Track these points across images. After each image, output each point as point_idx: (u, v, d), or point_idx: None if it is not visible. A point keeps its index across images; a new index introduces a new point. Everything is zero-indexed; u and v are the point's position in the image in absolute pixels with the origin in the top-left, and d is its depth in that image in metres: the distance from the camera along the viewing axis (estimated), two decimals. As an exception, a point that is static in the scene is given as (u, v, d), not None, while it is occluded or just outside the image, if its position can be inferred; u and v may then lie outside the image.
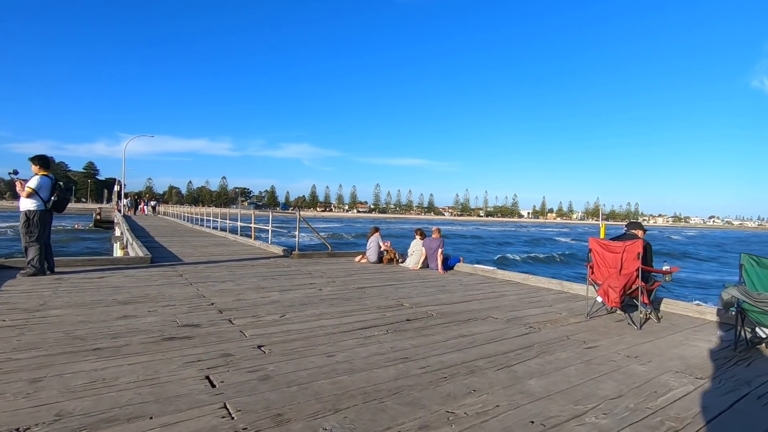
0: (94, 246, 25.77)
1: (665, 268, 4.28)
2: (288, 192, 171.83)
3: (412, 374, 2.75)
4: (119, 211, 32.78)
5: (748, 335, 3.59)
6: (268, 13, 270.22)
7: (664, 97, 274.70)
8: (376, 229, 9.02)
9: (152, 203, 45.22)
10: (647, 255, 4.26)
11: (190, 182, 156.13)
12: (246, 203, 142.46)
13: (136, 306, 4.31)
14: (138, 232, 15.19)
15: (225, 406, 2.20)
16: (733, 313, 4.08)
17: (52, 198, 5.84)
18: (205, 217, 20.75)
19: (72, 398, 2.23)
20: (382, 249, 8.68)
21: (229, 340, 3.31)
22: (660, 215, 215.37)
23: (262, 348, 3.15)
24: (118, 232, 18.97)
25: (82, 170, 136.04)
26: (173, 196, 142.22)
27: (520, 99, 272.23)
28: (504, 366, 2.97)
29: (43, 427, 1.93)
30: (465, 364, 2.96)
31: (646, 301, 4.24)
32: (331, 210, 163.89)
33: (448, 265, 8.04)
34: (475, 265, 8.09)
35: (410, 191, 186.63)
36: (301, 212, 10.15)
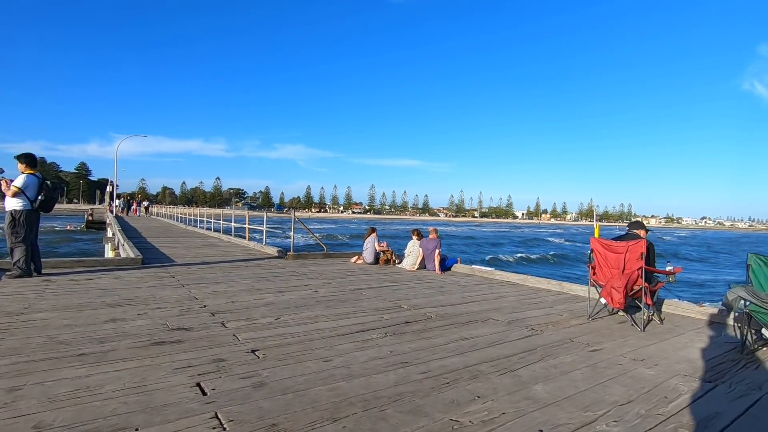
0: (86, 247, 25.41)
1: (668, 268, 4.21)
2: (283, 193, 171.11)
3: (413, 380, 2.64)
4: (111, 211, 32.37)
5: (754, 337, 3.51)
6: (264, 14, 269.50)
7: (657, 99, 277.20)
8: (373, 230, 8.90)
9: (145, 204, 44.76)
10: (650, 255, 4.18)
11: (184, 183, 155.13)
12: (240, 204, 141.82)
13: (125, 309, 4.16)
14: (130, 232, 14.95)
15: (216, 416, 2.07)
16: (737, 314, 4.02)
17: (39, 197, 5.67)
18: (198, 218, 20.52)
19: (53, 408, 2.09)
20: (378, 250, 8.56)
21: (222, 345, 3.18)
22: (653, 216, 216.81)
23: (256, 352, 3.02)
24: (110, 233, 18.68)
25: (74, 171, 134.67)
26: (167, 196, 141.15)
27: (515, 100, 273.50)
28: (508, 370, 2.86)
29: (19, 440, 1.80)
30: (467, 369, 2.86)
31: (650, 302, 4.16)
32: (325, 211, 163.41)
33: (445, 265, 7.94)
34: (473, 266, 8.00)
35: (405, 192, 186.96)
36: (296, 213, 10.00)
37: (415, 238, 8.26)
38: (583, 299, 5.52)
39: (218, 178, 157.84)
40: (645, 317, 4.26)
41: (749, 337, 3.48)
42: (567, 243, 47.38)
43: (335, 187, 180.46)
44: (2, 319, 3.65)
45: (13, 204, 5.52)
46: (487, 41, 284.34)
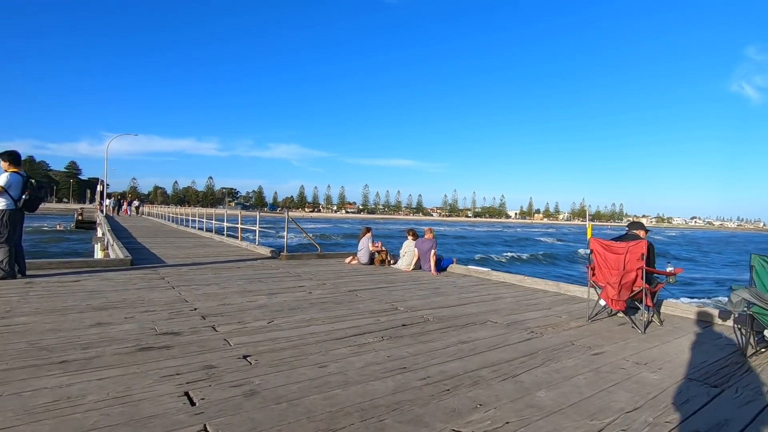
0: (76, 247, 25.03)
1: (669, 269, 4.14)
2: (276, 192, 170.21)
3: (412, 387, 2.53)
4: (102, 211, 31.92)
5: (756, 339, 3.46)
6: (258, 16, 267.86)
7: (648, 100, 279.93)
8: (368, 230, 8.78)
9: (135, 203, 44.19)
10: (650, 256, 4.11)
11: (176, 182, 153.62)
12: (233, 204, 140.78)
13: (112, 312, 4.01)
14: (120, 232, 14.70)
15: (205, 429, 1.95)
16: (737, 316, 3.97)
17: (23, 197, 5.48)
18: (190, 218, 20.25)
19: (29, 421, 1.96)
20: (372, 250, 8.44)
21: (212, 350, 3.05)
22: (644, 216, 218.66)
23: (248, 358, 2.90)
24: (99, 233, 18.38)
25: (64, 170, 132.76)
26: (158, 196, 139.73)
27: (509, 101, 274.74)
28: (509, 376, 2.77)
29: (-10, 458, 1.67)
30: (468, 374, 2.76)
31: (650, 303, 4.10)
32: (319, 210, 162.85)
33: (441, 266, 7.85)
34: (469, 267, 7.92)
35: (399, 192, 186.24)
36: (290, 213, 9.85)
37: (410, 238, 8.16)
38: (580, 300, 5.46)
39: (211, 178, 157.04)
40: (645, 319, 4.20)
41: (752, 340, 3.43)
42: (558, 243, 47.59)
43: (329, 186, 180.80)
44: (-19, 323, 3.49)
45: (-5, 203, 5.33)
46: (481, 43, 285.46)
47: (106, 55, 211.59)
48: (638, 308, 4.40)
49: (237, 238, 13.22)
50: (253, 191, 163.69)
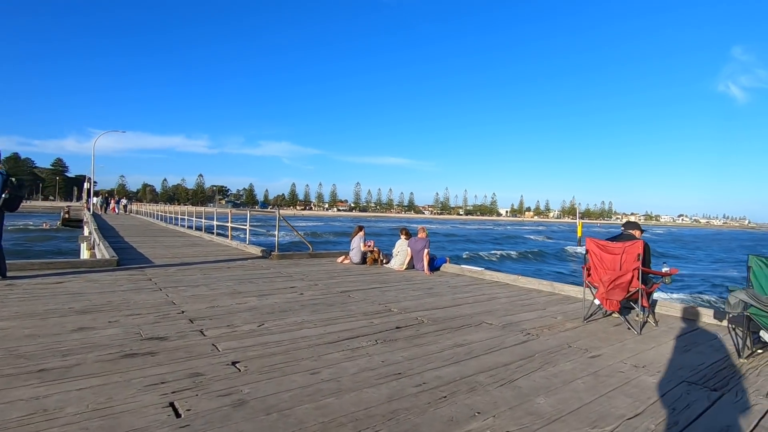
0: (62, 246, 24.55)
1: (665, 269, 4.12)
2: (267, 190, 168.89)
3: (408, 394, 2.45)
4: (89, 209, 31.35)
5: (753, 341, 3.43)
6: (251, 14, 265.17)
7: (636, 99, 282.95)
8: (360, 228, 8.67)
9: (123, 201, 43.53)
10: (646, 256, 4.08)
11: (165, 180, 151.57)
12: (224, 202, 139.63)
13: (96, 316, 3.87)
14: (107, 231, 14.41)
15: (190, 443, 1.85)
16: (730, 316, 3.95)
17: (3, 195, 5.28)
18: (179, 216, 19.95)
19: (1, 437, 1.84)
20: (363, 250, 8.33)
21: (200, 356, 2.94)
22: (632, 213, 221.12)
23: (237, 365, 2.80)
24: (86, 232, 18.04)
25: (50, 167, 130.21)
26: (147, 194, 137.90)
27: (500, 101, 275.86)
28: (507, 381, 2.70)
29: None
30: (464, 380, 2.68)
31: (646, 304, 4.07)
32: (311, 209, 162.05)
33: (434, 265, 7.78)
34: (462, 266, 7.86)
35: (390, 190, 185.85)
36: (281, 211, 9.71)
37: (403, 237, 8.08)
38: (574, 300, 5.43)
39: (201, 175, 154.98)
40: (641, 319, 4.17)
41: (748, 341, 3.40)
42: (548, 240, 47.93)
43: (320, 184, 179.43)
44: (-44, 329, 3.33)
45: (-27, 202, 5.14)
46: (471, 43, 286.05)
47: (93, 53, 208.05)
48: (633, 308, 4.37)
49: (227, 237, 13.03)
50: (244, 189, 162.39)
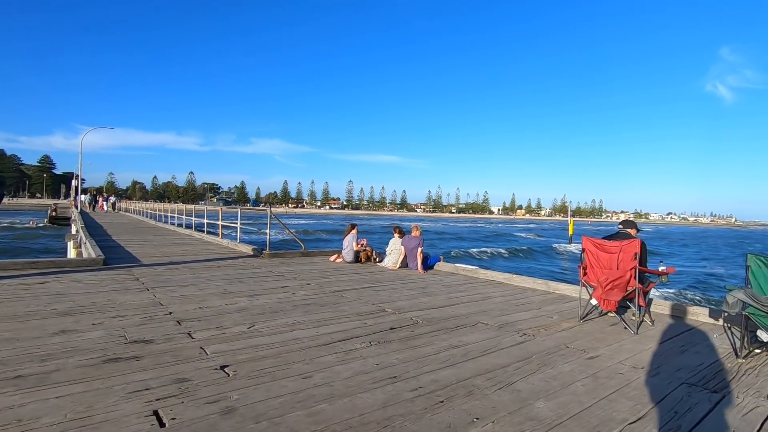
0: (50, 243, 24.12)
1: (661, 268, 4.08)
2: (259, 188, 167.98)
3: (403, 398, 2.36)
4: (76, 207, 30.82)
5: (751, 341, 3.40)
6: (243, 11, 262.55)
7: (626, 99, 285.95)
8: (353, 226, 8.55)
9: (112, 199, 42.89)
10: (642, 255, 4.04)
11: (155, 177, 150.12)
12: (215, 199, 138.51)
13: (79, 318, 3.73)
14: (94, 230, 14.13)
15: (174, 456, 1.74)
16: (726, 315, 3.93)
17: (-17, 193, 5.10)
18: (169, 214, 19.66)
19: (-30, 451, 1.72)
20: (355, 249, 8.22)
21: (187, 360, 2.82)
22: (622, 212, 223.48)
23: (226, 369, 2.69)
24: (74, 230, 17.71)
25: (37, 164, 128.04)
26: (137, 191, 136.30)
27: (493, 99, 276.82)
28: (505, 384, 2.62)
29: None
30: (462, 383, 2.60)
31: (643, 303, 4.02)
32: (303, 206, 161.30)
33: (428, 264, 7.71)
34: (456, 265, 7.79)
35: (383, 188, 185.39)
36: (273, 208, 9.57)
37: (396, 235, 7.98)
38: (570, 299, 5.39)
39: (192, 173, 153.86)
40: (637, 319, 4.13)
41: (745, 341, 3.37)
42: (539, 238, 48.17)
43: (313, 182, 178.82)
44: (-71, 333, 3.18)
45: (-49, 200, 4.95)
46: (464, 41, 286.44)
47: (81, 49, 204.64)
48: (629, 307, 4.33)
49: (218, 235, 12.84)
50: (236, 186, 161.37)
